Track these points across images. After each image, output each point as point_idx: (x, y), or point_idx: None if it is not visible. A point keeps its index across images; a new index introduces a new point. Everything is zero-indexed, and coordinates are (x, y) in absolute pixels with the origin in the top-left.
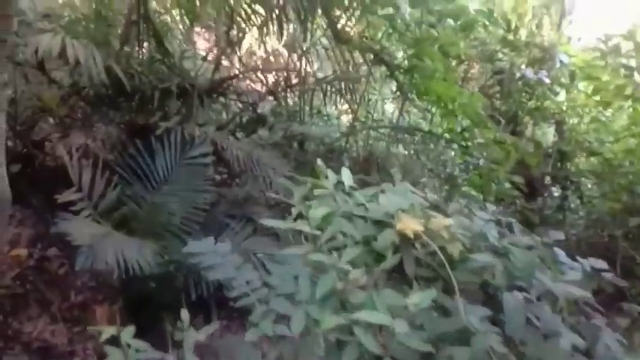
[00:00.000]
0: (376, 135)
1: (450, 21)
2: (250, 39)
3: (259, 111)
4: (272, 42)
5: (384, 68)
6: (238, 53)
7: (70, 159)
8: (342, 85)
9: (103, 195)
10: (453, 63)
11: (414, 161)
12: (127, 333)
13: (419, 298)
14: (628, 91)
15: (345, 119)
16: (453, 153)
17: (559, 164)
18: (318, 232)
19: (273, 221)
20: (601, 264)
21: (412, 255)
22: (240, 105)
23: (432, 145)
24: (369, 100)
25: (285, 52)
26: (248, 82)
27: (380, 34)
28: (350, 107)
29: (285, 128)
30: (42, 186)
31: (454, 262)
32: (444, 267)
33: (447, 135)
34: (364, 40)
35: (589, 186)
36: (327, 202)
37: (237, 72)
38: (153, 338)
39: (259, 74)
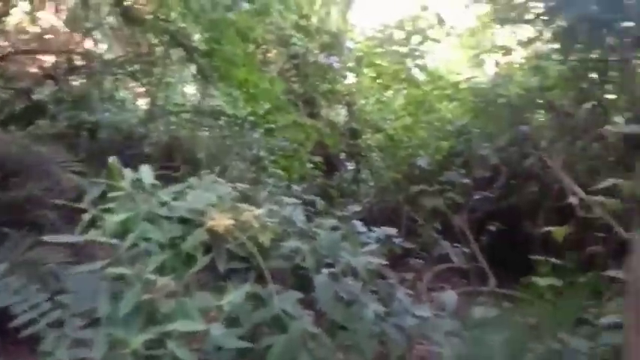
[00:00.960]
0: (178, 120)
1: (246, 5)
2: (20, 13)
3: (35, 98)
4: (48, 18)
5: (181, 51)
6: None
7: None
8: (137, 68)
9: None
10: (251, 47)
11: (221, 145)
12: None
13: (232, 295)
14: (402, 75)
15: (143, 104)
16: (257, 135)
17: (351, 141)
18: (115, 242)
19: (59, 237)
20: (391, 231)
21: (224, 251)
22: (11, 92)
23: (236, 129)
24: (168, 83)
25: (64, 30)
26: (19, 64)
27: (174, 15)
28: (147, 91)
29: (71, 117)
30: None
31: (265, 250)
32: (255, 257)
33: (250, 118)
34: (159, 20)
35: (377, 160)
36: (124, 205)
37: (5, 51)
38: None
39: (35, 55)
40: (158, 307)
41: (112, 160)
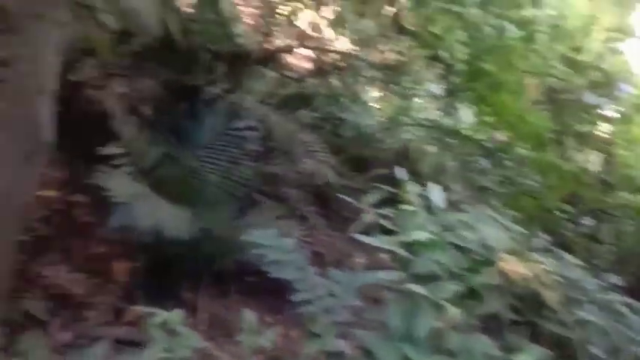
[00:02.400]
0: (413, 131)
1: (514, 30)
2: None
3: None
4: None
5: (437, 66)
6: (294, 24)
7: (115, 111)
8: (388, 75)
9: (144, 153)
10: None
11: (448, 165)
12: (176, 316)
13: (525, 356)
14: None
15: (383, 109)
16: (489, 164)
17: (601, 196)
18: (407, 255)
19: (365, 237)
20: None
21: (509, 299)
22: (289, 80)
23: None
24: (416, 95)
25: (326, 29)
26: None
27: (440, 30)
28: (387, 98)
29: (324, 110)
30: (76, 130)
31: (545, 309)
32: (536, 314)
33: (493, 146)
34: (430, 34)
35: (631, 224)
36: (412, 221)
37: (289, 44)
38: (169, 301)
39: (312, 51)
40: (444, 338)
41: (398, 170)
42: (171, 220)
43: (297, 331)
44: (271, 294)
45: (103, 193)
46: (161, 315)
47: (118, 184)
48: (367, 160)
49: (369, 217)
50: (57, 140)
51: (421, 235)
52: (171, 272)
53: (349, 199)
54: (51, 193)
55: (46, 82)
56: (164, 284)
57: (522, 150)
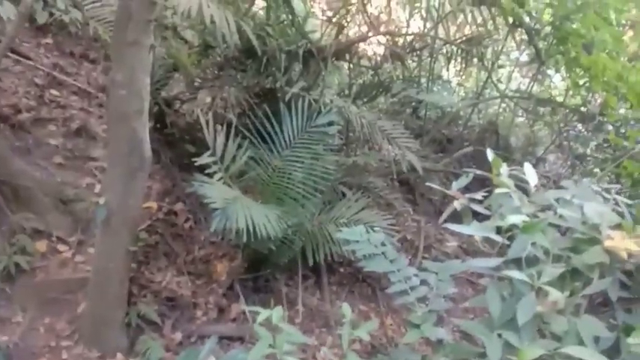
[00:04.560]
0: (497, 104)
1: None
2: None
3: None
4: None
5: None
6: (366, 14)
7: (206, 122)
8: (474, 50)
9: (233, 158)
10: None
11: (537, 134)
12: (277, 314)
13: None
14: None
15: (466, 86)
16: (586, 130)
17: None
18: (502, 240)
19: (457, 226)
20: None
21: (617, 278)
22: (364, 69)
23: (556, 118)
24: (500, 66)
25: (397, 11)
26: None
27: None
28: (468, 74)
29: (402, 95)
30: (170, 142)
31: None
32: None
33: (592, 111)
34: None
35: None
36: (506, 203)
37: (362, 33)
38: (267, 296)
39: (385, 37)
40: (549, 323)
41: (490, 152)
42: (263, 219)
43: (393, 319)
44: (364, 284)
45: (201, 200)
46: (264, 313)
47: (214, 190)
48: (451, 140)
49: (459, 202)
50: (154, 154)
51: (517, 219)
52: (268, 268)
53: (436, 186)
54: (153, 204)
55: (141, 101)
56: (262, 280)
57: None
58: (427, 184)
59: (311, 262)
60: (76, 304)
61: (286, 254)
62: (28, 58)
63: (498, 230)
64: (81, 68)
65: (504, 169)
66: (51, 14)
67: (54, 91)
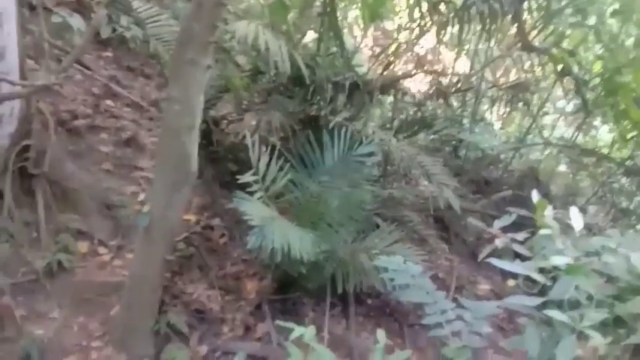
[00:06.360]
0: (539, 150)
1: None
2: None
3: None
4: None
5: (568, 81)
6: (414, 52)
7: (252, 143)
8: (519, 95)
9: (274, 180)
10: None
11: (578, 184)
12: (310, 332)
13: None
14: None
15: (507, 129)
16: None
17: None
18: (544, 281)
19: (500, 262)
20: None
21: None
22: (407, 105)
23: (599, 169)
24: (544, 113)
25: (444, 52)
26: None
27: (571, 44)
28: (509, 118)
29: (447, 133)
30: (214, 159)
31: None
32: None
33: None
34: (561, 50)
35: None
36: (550, 245)
37: (408, 70)
38: (294, 319)
39: (430, 75)
40: None
41: (535, 194)
42: (298, 241)
43: (420, 354)
44: (391, 318)
45: (241, 216)
46: (298, 330)
47: (254, 208)
48: (489, 183)
49: (500, 241)
50: (198, 169)
51: (561, 260)
52: (296, 292)
53: (479, 223)
54: (191, 217)
55: (193, 118)
56: (289, 303)
57: None
58: (469, 219)
59: (340, 290)
60: (110, 306)
61: (316, 279)
62: (89, 69)
63: (540, 272)
64: (136, 82)
65: (549, 211)
66: (114, 30)
67: (109, 102)
